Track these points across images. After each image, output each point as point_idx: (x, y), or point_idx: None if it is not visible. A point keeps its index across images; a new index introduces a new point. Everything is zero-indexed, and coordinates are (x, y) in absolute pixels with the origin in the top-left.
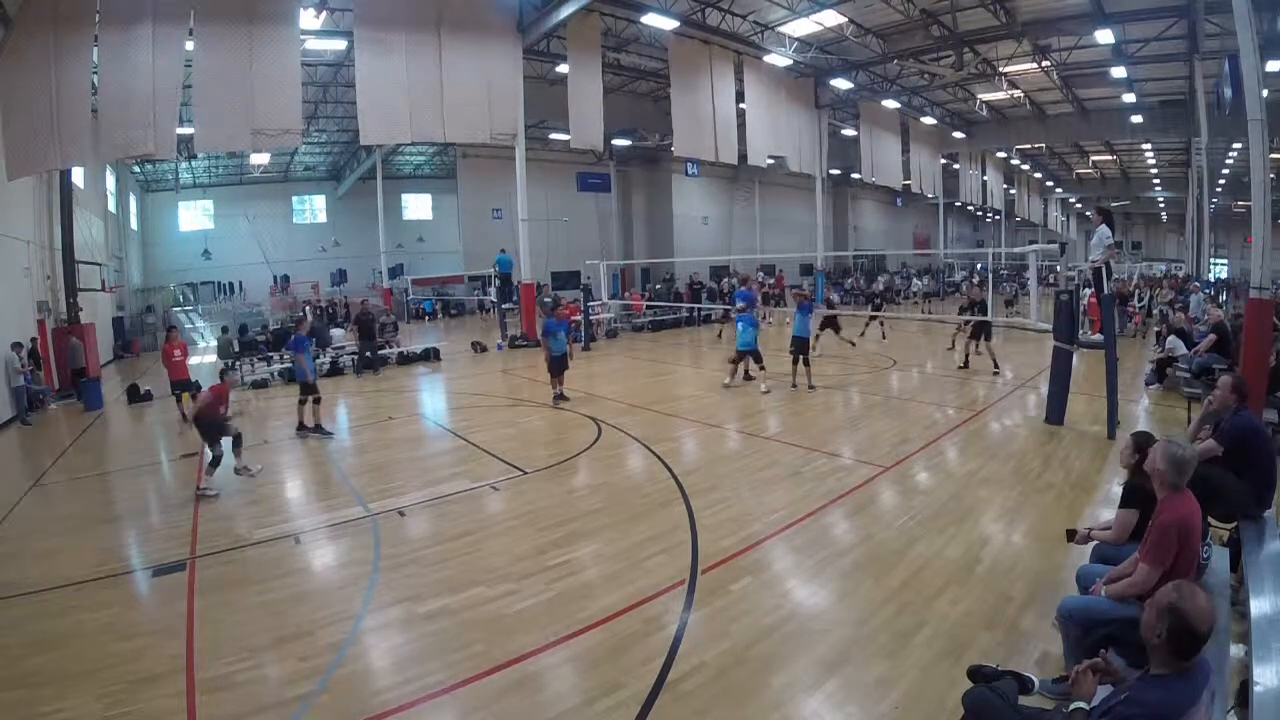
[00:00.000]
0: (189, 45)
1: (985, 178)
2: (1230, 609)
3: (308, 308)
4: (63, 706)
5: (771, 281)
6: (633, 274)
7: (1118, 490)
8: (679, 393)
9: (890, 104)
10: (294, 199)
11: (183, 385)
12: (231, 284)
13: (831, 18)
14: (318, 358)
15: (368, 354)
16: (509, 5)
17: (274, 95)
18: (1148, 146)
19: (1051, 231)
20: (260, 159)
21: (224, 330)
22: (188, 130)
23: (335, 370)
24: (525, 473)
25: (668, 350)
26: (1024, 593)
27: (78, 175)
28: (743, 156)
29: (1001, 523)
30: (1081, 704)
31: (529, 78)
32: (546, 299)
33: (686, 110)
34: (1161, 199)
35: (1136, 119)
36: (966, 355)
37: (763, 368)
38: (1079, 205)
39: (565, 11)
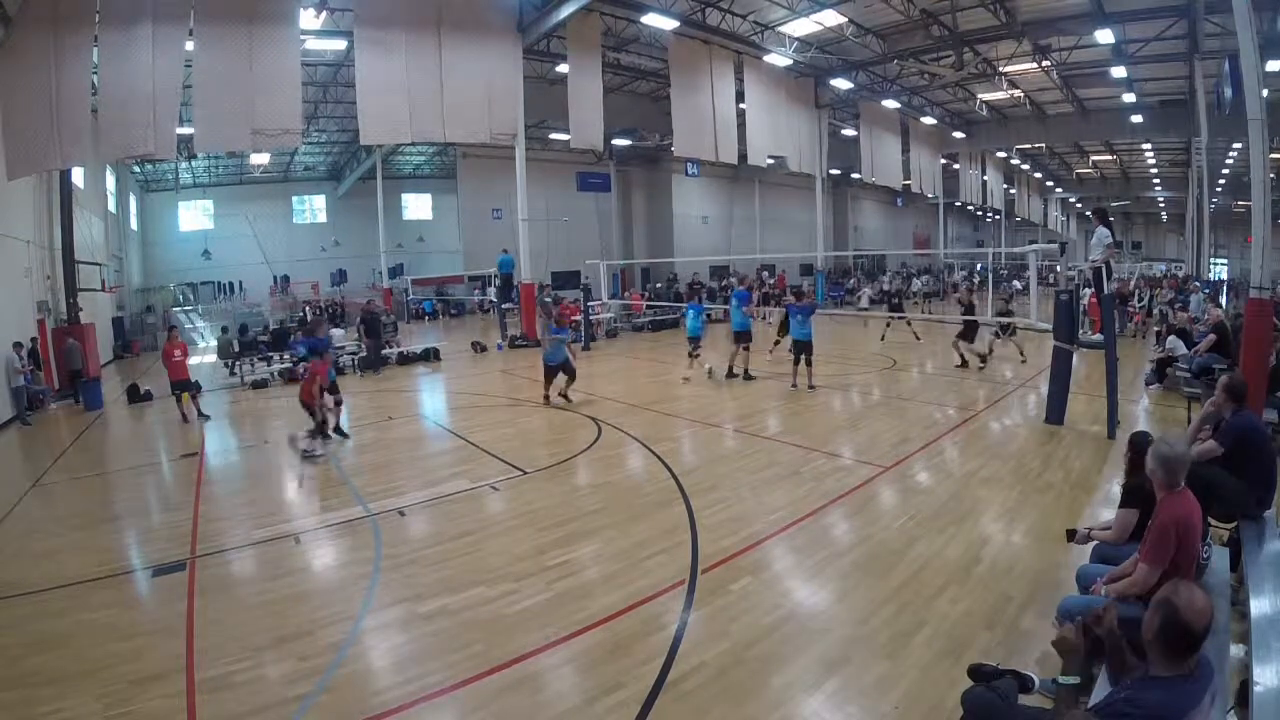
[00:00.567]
0: (189, 45)
1: (985, 178)
2: (1230, 609)
3: (308, 308)
4: (62, 706)
5: (773, 281)
6: (633, 274)
7: (1117, 490)
8: (679, 393)
9: (890, 104)
10: (294, 199)
11: (183, 385)
12: (231, 284)
13: (831, 18)
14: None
15: (373, 353)
16: (509, 5)
17: (274, 95)
18: (1148, 146)
19: (1051, 231)
20: (260, 159)
21: (224, 330)
22: (188, 130)
23: (336, 370)
24: (525, 473)
25: (668, 350)
26: (1024, 593)
27: (78, 175)
28: (743, 156)
29: (1001, 523)
30: (1071, 679)
31: (529, 78)
32: (547, 298)
33: (686, 110)
34: (1161, 199)
35: (1136, 119)
36: (963, 357)
37: (697, 355)
38: (1079, 205)
39: (565, 11)
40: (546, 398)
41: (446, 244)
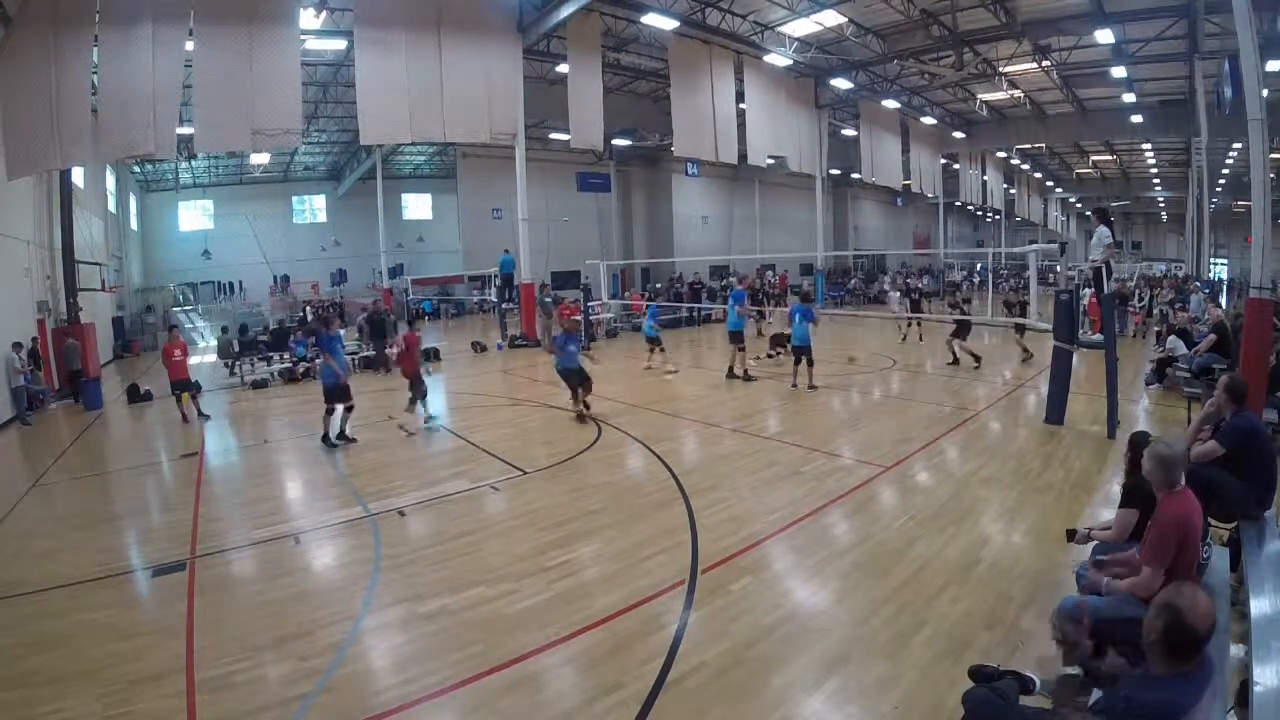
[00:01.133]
0: (189, 45)
1: (985, 177)
2: (1230, 609)
3: (308, 307)
4: (62, 706)
5: (774, 280)
6: (633, 274)
7: (1118, 490)
8: (679, 392)
9: (890, 104)
10: (294, 199)
11: (183, 385)
12: (231, 284)
13: (831, 18)
14: (317, 357)
15: (379, 352)
16: (509, 5)
17: (274, 95)
18: (1148, 146)
19: (1051, 231)
20: (260, 159)
21: (224, 330)
22: (188, 130)
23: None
24: (525, 473)
25: (667, 350)
26: (1024, 593)
27: (78, 175)
28: (743, 156)
29: (1001, 523)
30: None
31: (529, 78)
32: (547, 298)
33: (686, 110)
34: (1161, 199)
35: (1136, 119)
36: (955, 354)
37: (662, 349)
38: (1079, 205)
39: (565, 11)
40: (582, 412)
41: (446, 244)
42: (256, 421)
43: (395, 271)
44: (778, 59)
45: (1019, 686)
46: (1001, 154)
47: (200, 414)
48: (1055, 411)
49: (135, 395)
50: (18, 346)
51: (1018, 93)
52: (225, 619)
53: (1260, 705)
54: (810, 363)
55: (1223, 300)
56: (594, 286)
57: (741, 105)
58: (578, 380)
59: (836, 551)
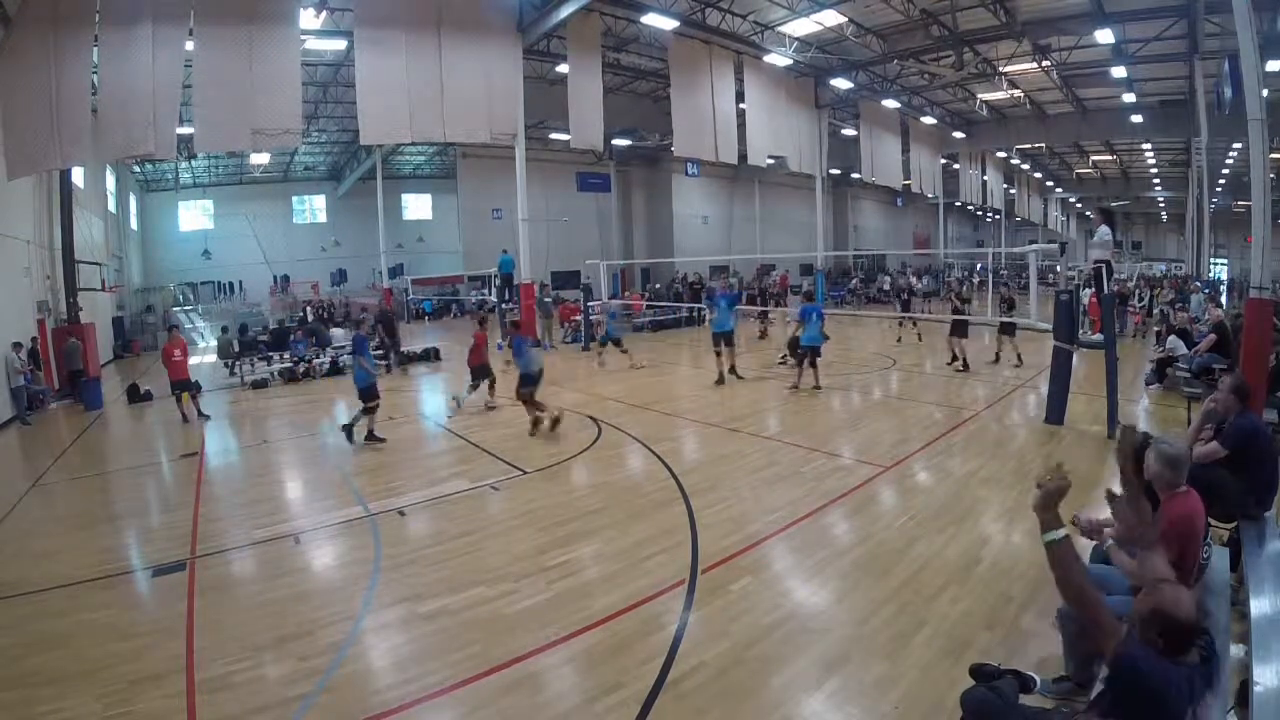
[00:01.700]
0: (189, 45)
1: (985, 177)
2: (1230, 609)
3: (308, 307)
4: (62, 706)
5: (775, 281)
6: (633, 274)
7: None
8: (679, 392)
9: (890, 104)
10: (294, 199)
11: (182, 385)
12: (231, 284)
13: (831, 18)
14: (317, 357)
15: (396, 352)
16: (509, 5)
17: (274, 95)
18: (1148, 146)
19: (1051, 231)
20: (260, 159)
21: (224, 330)
22: (188, 130)
23: (335, 370)
24: (525, 473)
25: (667, 350)
26: (1024, 593)
27: (78, 175)
28: (743, 156)
29: (1001, 523)
30: (1056, 534)
31: (529, 78)
32: (548, 298)
33: (686, 110)
34: (1161, 199)
35: (1136, 119)
36: (954, 353)
37: (622, 350)
38: (1079, 205)
39: (565, 11)
40: (540, 418)
41: (446, 244)
42: (256, 421)
43: (395, 271)
44: (778, 59)
45: (1019, 686)
46: (1001, 154)
47: (200, 414)
48: (1055, 411)
49: (135, 395)
50: (18, 346)
51: (1018, 93)
52: (225, 619)
53: (1260, 705)
54: (814, 364)
55: (1223, 300)
56: (594, 286)
57: (741, 105)
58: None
59: (836, 551)
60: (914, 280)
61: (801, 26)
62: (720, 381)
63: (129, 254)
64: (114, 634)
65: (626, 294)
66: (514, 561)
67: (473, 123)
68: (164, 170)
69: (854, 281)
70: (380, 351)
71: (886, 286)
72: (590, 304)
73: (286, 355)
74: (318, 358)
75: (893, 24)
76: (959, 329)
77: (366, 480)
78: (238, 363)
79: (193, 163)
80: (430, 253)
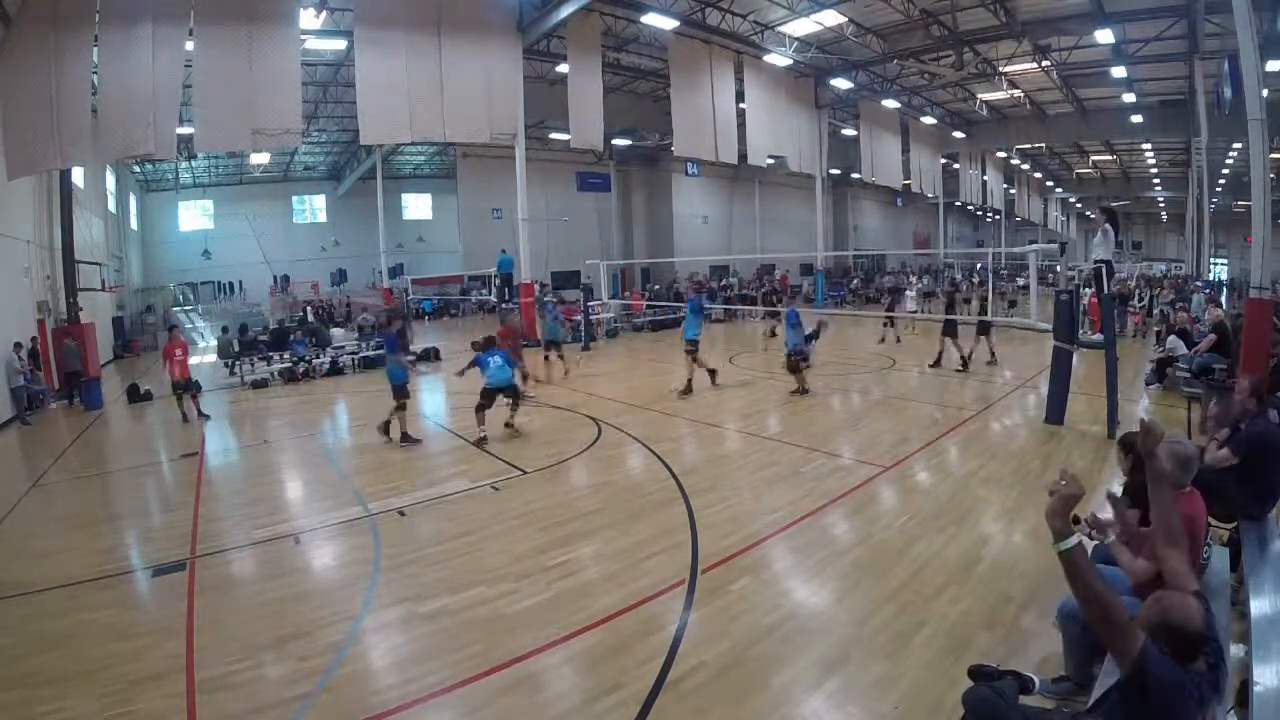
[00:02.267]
0: (189, 45)
1: (985, 177)
2: (1230, 609)
3: (308, 307)
4: (62, 706)
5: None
6: (633, 274)
7: (1118, 490)
8: None
9: (890, 104)
10: (294, 199)
11: (183, 385)
12: (231, 284)
13: (831, 18)
14: (317, 357)
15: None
16: (509, 5)
17: (274, 95)
18: (1148, 146)
19: (1051, 231)
20: (260, 159)
21: (224, 330)
22: (188, 130)
23: (335, 370)
24: (525, 473)
25: (668, 350)
26: (1024, 593)
27: (78, 175)
28: (743, 156)
29: (1001, 523)
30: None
31: (529, 78)
32: (548, 298)
33: (686, 110)
34: (1161, 199)
35: (1136, 119)
36: (940, 354)
37: (561, 356)
38: (1079, 205)
39: (565, 11)
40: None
41: (446, 244)
42: (256, 421)
43: (395, 271)
44: (778, 59)
45: (1019, 686)
46: (1001, 154)
47: (200, 414)
48: (1055, 411)
49: (135, 395)
50: (18, 346)
51: (1018, 93)
52: (225, 619)
53: (1260, 705)
54: (795, 369)
55: (1223, 301)
56: (594, 286)
57: (741, 105)
58: (512, 394)
59: (836, 551)
60: (912, 279)
61: (801, 26)
62: (687, 391)
63: (129, 254)
64: (114, 634)
65: (626, 294)
66: (514, 561)
67: (473, 123)
68: (164, 170)
69: (854, 281)
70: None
71: (912, 294)
72: (591, 303)
73: (286, 355)
74: (318, 358)
75: (893, 24)
76: (950, 329)
77: (366, 480)
78: (238, 363)
79: (193, 163)
80: (430, 253)
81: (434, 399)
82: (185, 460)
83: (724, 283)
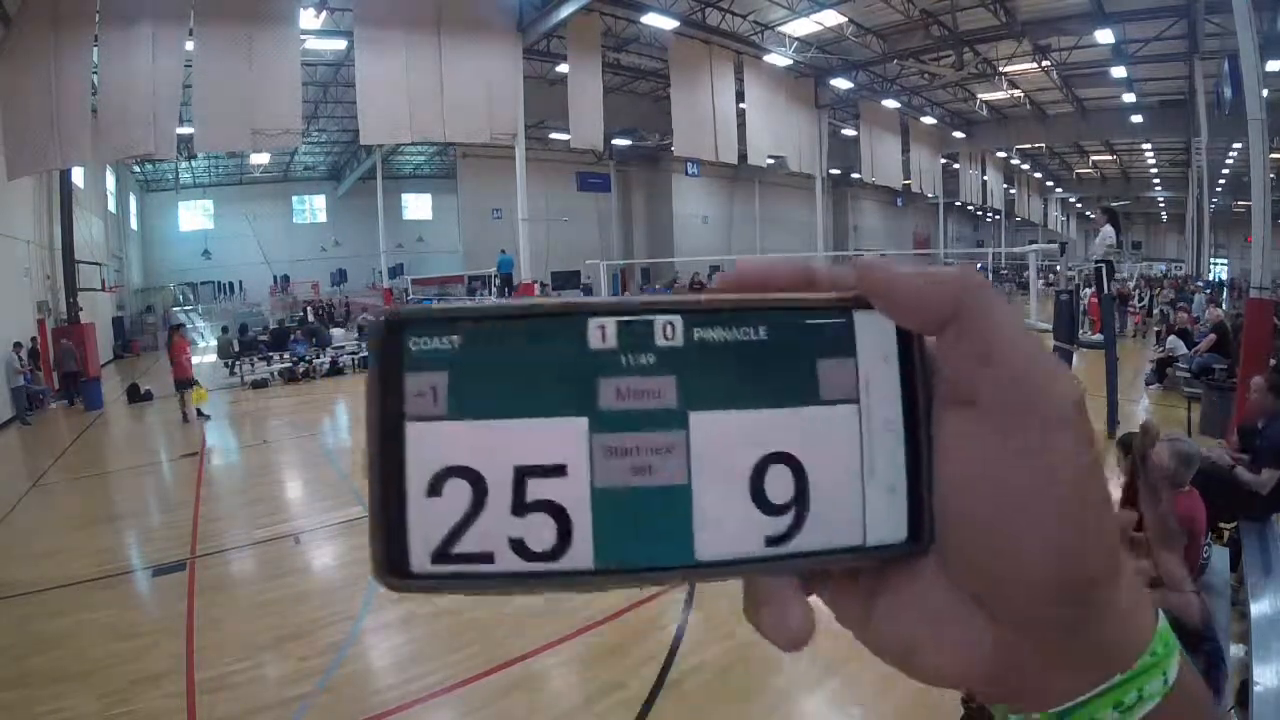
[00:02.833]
0: (189, 45)
1: (985, 178)
2: (1230, 609)
3: (308, 307)
4: (62, 706)
5: None
6: (632, 274)
7: (1117, 491)
8: None
9: (890, 104)
10: (294, 199)
11: (188, 383)
12: (231, 284)
13: (831, 18)
14: (317, 357)
15: None
16: (509, 5)
17: (274, 95)
18: (1148, 146)
19: (1051, 231)
20: (260, 159)
21: (224, 330)
22: (188, 130)
23: (335, 370)
24: None
25: None
26: None
27: (78, 175)
28: (743, 156)
29: None
30: None
31: (529, 78)
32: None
33: (686, 110)
34: (1161, 199)
35: (1136, 119)
36: None
37: None
38: (1079, 205)
39: (565, 11)
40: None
41: (446, 244)
42: (257, 421)
43: (395, 271)
44: (778, 59)
45: None
46: (1001, 154)
47: (200, 414)
48: None
49: (135, 395)
50: (18, 346)
51: (1018, 93)
52: (225, 619)
53: (1260, 705)
54: None
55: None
56: (594, 286)
57: (741, 105)
58: None
59: None
60: None
61: (801, 26)
62: None
63: (129, 254)
64: (114, 634)
65: (626, 293)
66: None
67: (473, 123)
68: (164, 170)
69: None
70: None
71: None
72: None
73: (286, 355)
74: (318, 358)
75: (893, 24)
76: None
77: (367, 480)
78: (238, 363)
79: (193, 163)
80: (430, 253)
81: None
82: (185, 460)
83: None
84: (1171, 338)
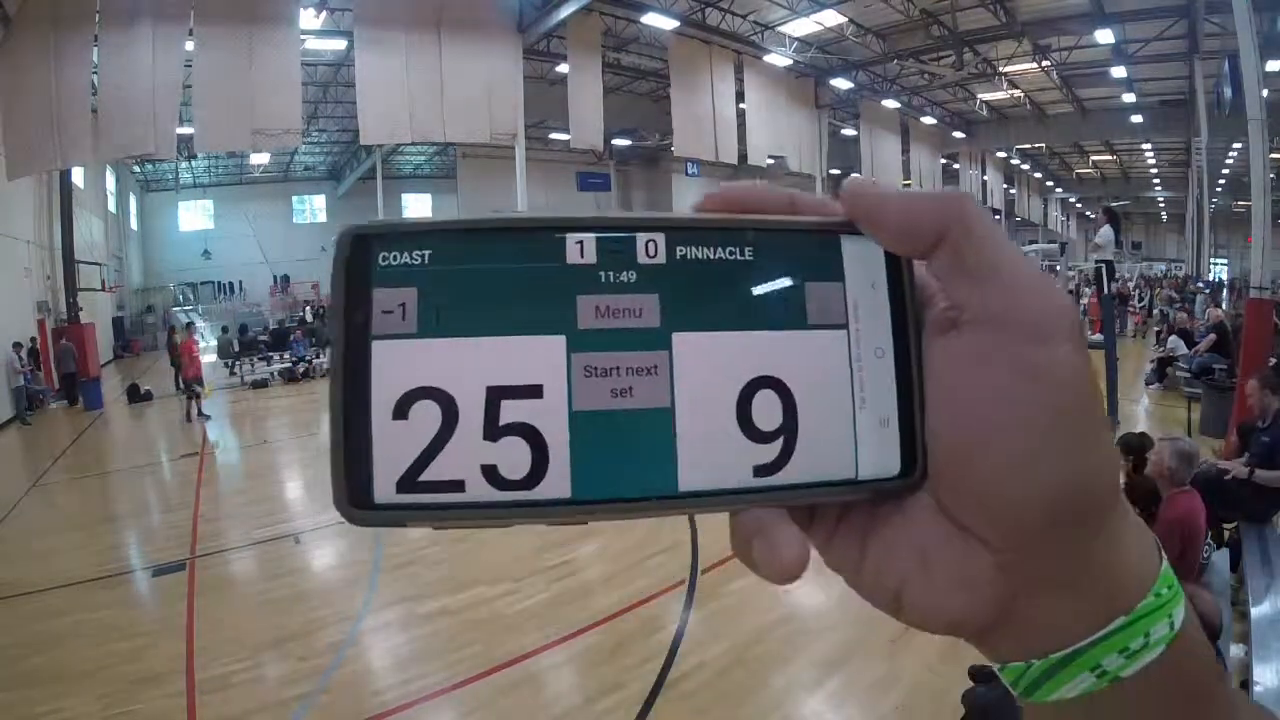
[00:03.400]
0: (189, 45)
1: (985, 178)
2: (1230, 609)
3: (308, 307)
4: (62, 706)
5: None
6: None
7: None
8: None
9: (890, 104)
10: (294, 199)
11: (199, 381)
12: (231, 284)
13: (831, 18)
14: (317, 357)
15: None
16: (509, 5)
17: (274, 95)
18: (1148, 146)
19: (1051, 231)
20: (260, 159)
21: (224, 330)
22: (188, 130)
23: None
24: None
25: None
26: None
27: (78, 175)
28: (743, 156)
29: None
30: None
31: (529, 78)
32: None
33: (686, 110)
34: (1161, 199)
35: (1136, 119)
36: None
37: None
38: (1079, 205)
39: (565, 11)
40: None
41: None
42: (257, 421)
43: None
44: (778, 59)
45: None
46: (1001, 154)
47: (201, 414)
48: None
49: (135, 395)
50: (18, 346)
51: (1018, 93)
52: (225, 619)
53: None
54: None
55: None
56: None
57: (741, 105)
58: None
59: None
60: None
61: (801, 26)
62: None
63: (129, 254)
64: (114, 634)
65: None
66: (514, 561)
67: (473, 123)
68: (164, 170)
69: None
70: None
71: None
72: None
73: (286, 355)
74: (318, 358)
75: (893, 24)
76: None
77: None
78: (238, 362)
79: (193, 163)
80: None
81: None
82: (185, 460)
83: None
84: (1172, 338)
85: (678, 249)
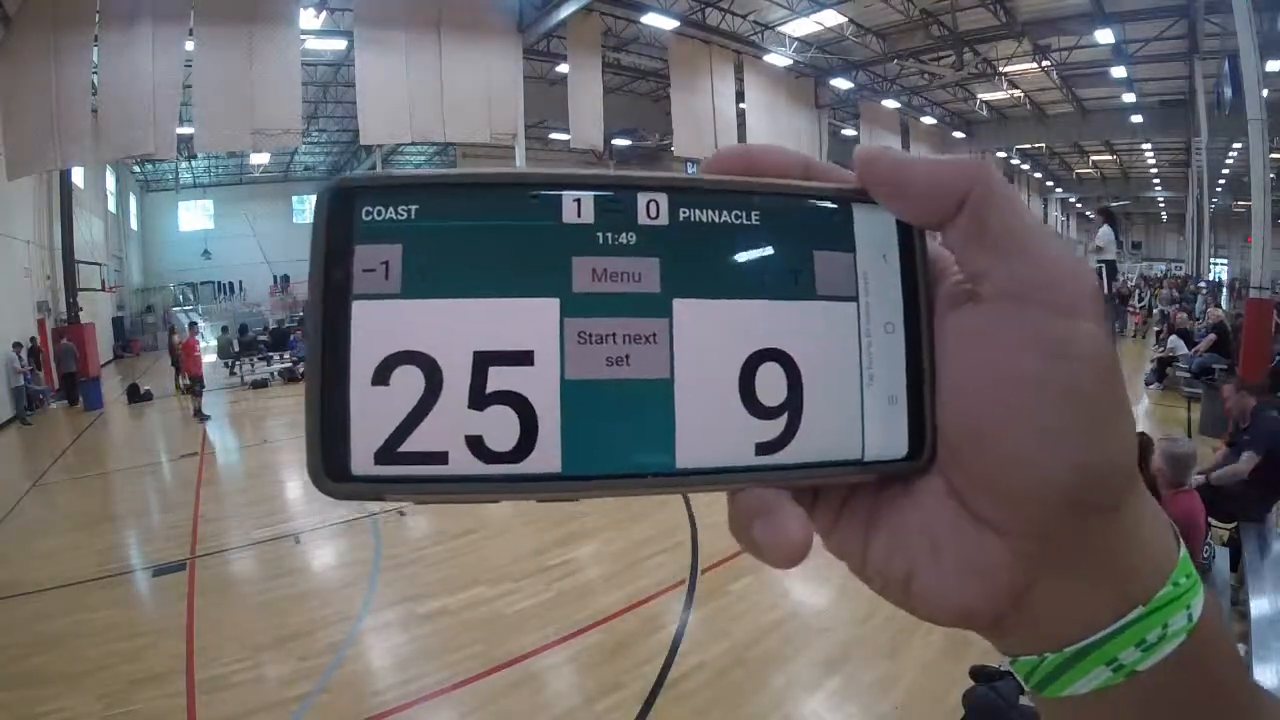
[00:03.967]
0: (189, 45)
1: None
2: (1230, 609)
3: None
4: (62, 706)
5: None
6: None
7: None
8: None
9: (890, 104)
10: (294, 199)
11: (200, 380)
12: (231, 284)
13: (831, 18)
14: None
15: None
16: (509, 5)
17: (274, 95)
18: (1148, 146)
19: None
20: (260, 159)
21: (224, 330)
22: (188, 130)
23: None
24: None
25: None
26: None
27: (78, 175)
28: None
29: None
30: None
31: (529, 78)
32: None
33: (686, 110)
34: (1161, 199)
35: (1136, 119)
36: None
37: None
38: (1079, 205)
39: (565, 11)
40: None
41: None
42: (257, 421)
43: None
44: (778, 59)
45: (1019, 686)
46: (1001, 154)
47: (201, 414)
48: None
49: (135, 395)
50: (18, 346)
51: (1018, 93)
52: (225, 619)
53: None
54: None
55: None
56: None
57: (741, 105)
58: None
59: None
60: None
61: (801, 26)
62: None
63: (129, 254)
64: (114, 634)
65: None
66: (514, 561)
67: (473, 123)
68: (164, 170)
69: None
70: None
71: None
72: None
73: (286, 355)
74: None
75: (893, 24)
76: None
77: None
78: (238, 362)
79: (193, 163)
80: None
81: None
82: (185, 460)
83: None
84: (1172, 338)
85: (681, 210)
